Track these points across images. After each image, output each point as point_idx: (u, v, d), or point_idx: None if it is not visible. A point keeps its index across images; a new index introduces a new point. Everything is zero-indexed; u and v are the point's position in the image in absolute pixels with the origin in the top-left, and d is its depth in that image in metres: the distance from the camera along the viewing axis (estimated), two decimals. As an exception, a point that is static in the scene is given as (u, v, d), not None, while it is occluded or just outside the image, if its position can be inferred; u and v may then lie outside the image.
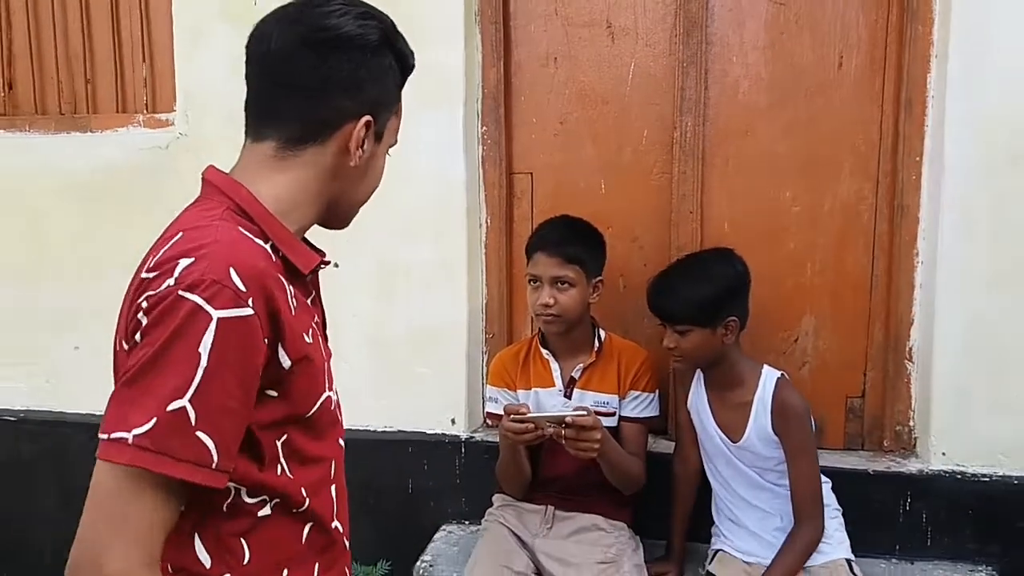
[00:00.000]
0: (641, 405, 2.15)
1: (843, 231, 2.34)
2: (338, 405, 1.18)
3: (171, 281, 0.94)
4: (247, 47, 1.12)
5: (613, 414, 2.14)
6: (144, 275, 0.98)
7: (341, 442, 1.19)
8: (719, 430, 2.07)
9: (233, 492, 1.02)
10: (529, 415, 1.91)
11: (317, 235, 1.19)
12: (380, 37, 1.10)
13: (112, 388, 0.99)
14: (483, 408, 2.46)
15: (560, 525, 2.13)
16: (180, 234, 1.00)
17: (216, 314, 0.93)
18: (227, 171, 1.11)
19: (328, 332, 1.23)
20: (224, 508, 1.03)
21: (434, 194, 2.44)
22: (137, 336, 0.95)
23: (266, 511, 1.06)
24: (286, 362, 1.01)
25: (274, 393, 1.02)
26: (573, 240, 2.11)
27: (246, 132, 1.13)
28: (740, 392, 2.04)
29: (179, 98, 2.66)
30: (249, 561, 1.05)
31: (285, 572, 1.09)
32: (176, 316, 0.92)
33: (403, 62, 1.14)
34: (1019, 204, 2.14)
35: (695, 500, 2.21)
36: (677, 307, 2.00)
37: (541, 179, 2.51)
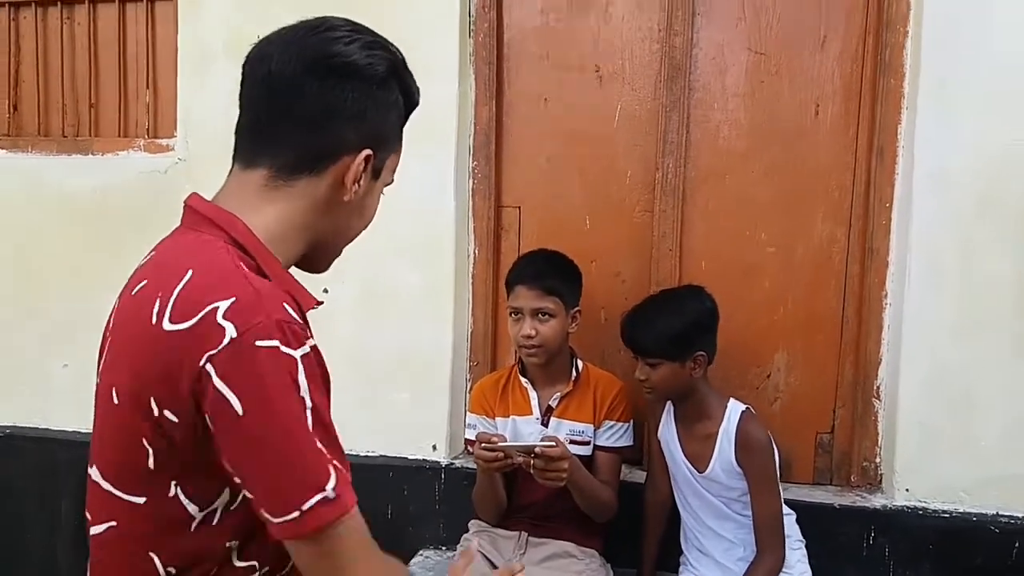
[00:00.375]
0: (615, 435, 2.21)
1: (816, 272, 2.42)
2: None
3: (231, 333, 0.88)
4: (244, 67, 1.06)
5: (588, 443, 2.20)
6: (172, 327, 0.91)
7: None
8: (687, 460, 2.14)
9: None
10: (499, 444, 1.96)
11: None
12: (388, 69, 1.04)
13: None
14: (464, 435, 2.52)
15: (533, 551, 2.18)
16: (189, 272, 0.95)
17: (296, 353, 0.90)
18: (209, 198, 1.06)
19: None
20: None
21: (424, 223, 2.52)
22: (236, 407, 0.88)
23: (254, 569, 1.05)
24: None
25: None
26: (551, 273, 2.19)
27: (235, 157, 1.07)
28: (707, 424, 2.11)
29: (180, 125, 2.74)
30: None
31: None
32: (264, 370, 0.88)
33: (409, 98, 1.09)
34: (983, 250, 2.22)
35: (665, 528, 2.26)
36: (648, 341, 2.07)
37: (528, 213, 2.60)
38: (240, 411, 0.88)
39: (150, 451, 0.95)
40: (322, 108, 1.00)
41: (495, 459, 1.95)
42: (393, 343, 2.56)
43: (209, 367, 0.88)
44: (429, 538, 2.57)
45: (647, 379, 2.08)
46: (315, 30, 1.02)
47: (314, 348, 0.94)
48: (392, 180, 1.13)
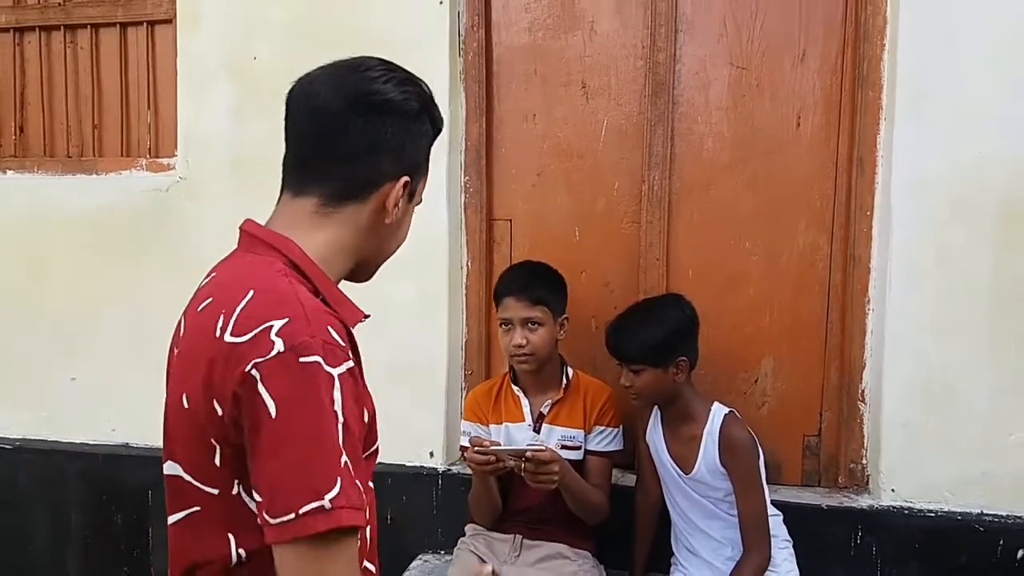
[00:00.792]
0: (605, 439, 2.28)
1: (799, 279, 2.49)
2: None
3: (279, 347, 0.96)
4: (289, 105, 1.15)
5: (579, 448, 2.26)
6: (233, 339, 0.99)
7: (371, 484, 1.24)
8: (673, 463, 2.20)
9: (362, 542, 1.06)
10: (490, 448, 2.03)
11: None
12: (420, 104, 1.15)
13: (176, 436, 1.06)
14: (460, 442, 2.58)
15: (527, 553, 2.24)
16: (251, 292, 1.03)
17: (335, 372, 0.97)
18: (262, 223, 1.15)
19: None
20: None
21: (418, 237, 2.52)
22: (271, 410, 0.94)
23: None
24: (365, 412, 1.07)
25: None
26: (538, 283, 2.26)
27: (284, 186, 1.16)
28: (691, 427, 2.17)
29: (180, 144, 2.82)
30: None
31: None
32: (305, 383, 0.95)
33: (435, 126, 1.20)
34: (961, 256, 2.28)
35: (656, 530, 2.32)
36: (631, 348, 2.14)
37: (519, 226, 2.66)
38: (273, 414, 0.95)
39: (217, 449, 1.03)
40: (366, 142, 1.11)
41: (487, 462, 2.02)
42: (390, 354, 2.61)
43: (255, 372, 0.96)
44: (427, 543, 2.63)
45: (632, 385, 2.15)
46: (355, 69, 1.12)
47: (351, 369, 1.00)
48: (421, 200, 1.24)
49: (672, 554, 2.29)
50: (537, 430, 2.29)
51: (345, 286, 1.20)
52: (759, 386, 2.53)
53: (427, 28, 2.55)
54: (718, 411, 2.16)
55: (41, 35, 3.01)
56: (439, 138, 2.68)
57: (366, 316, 1.17)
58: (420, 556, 2.59)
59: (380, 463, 2.87)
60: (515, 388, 2.34)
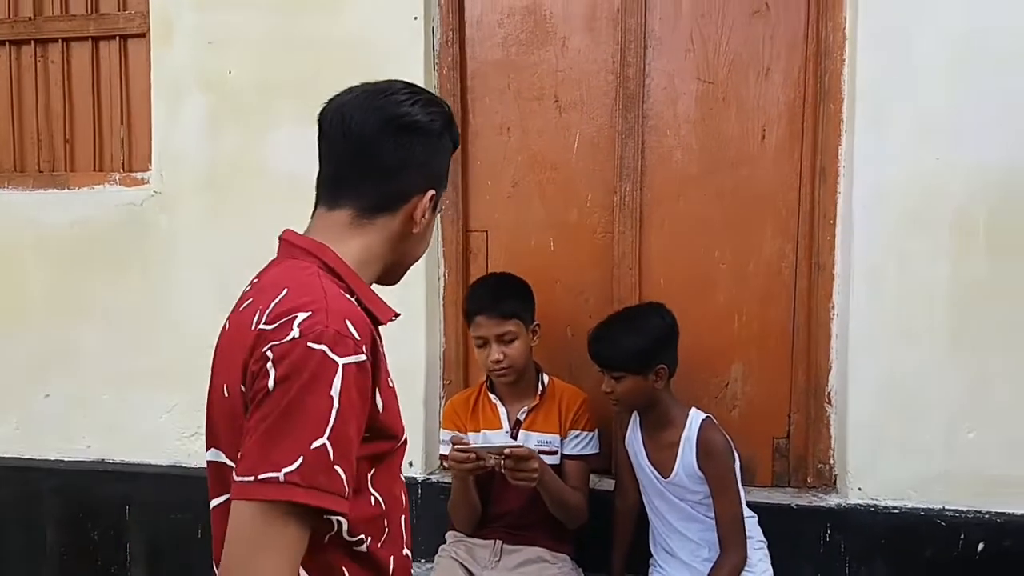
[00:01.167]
0: (581, 443, 2.33)
1: (767, 286, 2.57)
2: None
3: (295, 333, 1.04)
4: (322, 126, 1.24)
5: (556, 452, 2.31)
6: (263, 327, 1.07)
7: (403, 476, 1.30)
8: (652, 467, 2.26)
9: (336, 525, 1.10)
10: (471, 446, 2.08)
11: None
12: (443, 124, 1.25)
13: (231, 433, 1.09)
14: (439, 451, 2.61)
15: (507, 558, 2.29)
16: (286, 290, 1.11)
17: (341, 361, 1.04)
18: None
19: None
20: (326, 540, 1.10)
21: None
22: (270, 383, 1.03)
23: (361, 543, 1.14)
24: (379, 404, 1.12)
25: (367, 434, 1.10)
26: (506, 297, 2.30)
27: (318, 200, 1.25)
28: (670, 432, 2.23)
29: (154, 158, 2.83)
30: None
31: None
32: (308, 365, 1.02)
33: (455, 142, 1.30)
34: (920, 262, 2.37)
35: (634, 532, 2.38)
36: (612, 355, 2.20)
37: (495, 237, 2.72)
38: (271, 387, 1.03)
39: None
40: (396, 160, 1.20)
41: (467, 460, 2.06)
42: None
43: (269, 352, 1.04)
44: (408, 552, 2.65)
45: (612, 391, 2.20)
46: (383, 93, 1.22)
47: (360, 363, 1.06)
48: (441, 208, 1.35)
49: (650, 556, 2.35)
50: (514, 436, 2.33)
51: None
52: (729, 390, 2.60)
53: (402, 43, 2.60)
54: (695, 416, 2.22)
55: (11, 49, 3.00)
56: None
57: (397, 315, 1.25)
58: (400, 564, 2.61)
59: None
60: (492, 396, 2.38)
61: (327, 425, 1.01)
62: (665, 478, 2.23)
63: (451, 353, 2.72)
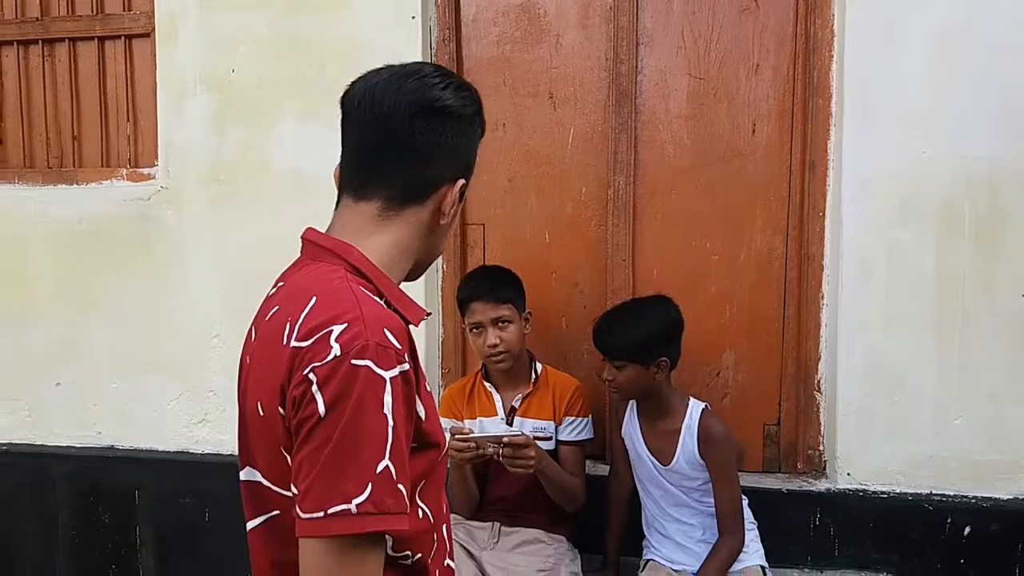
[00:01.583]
0: (576, 429, 2.40)
1: (757, 277, 2.63)
2: None
3: (336, 351, 0.98)
4: (348, 110, 1.15)
5: (550, 438, 2.38)
6: (297, 343, 1.01)
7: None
8: (650, 455, 2.31)
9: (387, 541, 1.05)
10: (470, 435, 2.15)
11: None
12: (475, 109, 1.18)
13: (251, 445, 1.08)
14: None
15: (505, 539, 2.36)
16: (315, 298, 1.05)
17: (388, 375, 0.98)
18: (323, 231, 1.16)
19: None
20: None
21: None
22: (320, 410, 0.97)
23: (407, 558, 1.10)
24: (422, 412, 1.07)
25: (414, 444, 1.05)
26: (500, 284, 2.37)
27: (343, 191, 1.17)
28: (669, 421, 2.28)
29: (161, 153, 2.89)
30: None
31: None
32: (356, 385, 0.96)
33: (483, 129, 1.22)
34: (907, 253, 2.42)
35: (628, 516, 2.44)
36: (616, 345, 2.25)
37: (492, 230, 2.78)
38: (322, 414, 0.97)
39: (287, 457, 1.05)
40: (428, 146, 1.13)
41: (467, 448, 2.13)
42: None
43: (312, 375, 0.98)
44: (408, 537, 2.72)
45: (613, 379, 2.26)
46: (414, 76, 1.14)
47: (404, 373, 1.01)
48: (465, 199, 1.25)
49: (644, 537, 2.41)
50: (510, 423, 2.40)
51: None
52: (721, 378, 2.67)
53: (400, 42, 2.66)
54: (695, 406, 2.28)
55: (19, 49, 3.07)
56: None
57: (428, 313, 1.19)
58: (401, 548, 2.68)
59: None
60: (487, 384, 2.45)
61: (386, 445, 0.97)
62: (664, 465, 2.28)
63: (449, 343, 2.79)
